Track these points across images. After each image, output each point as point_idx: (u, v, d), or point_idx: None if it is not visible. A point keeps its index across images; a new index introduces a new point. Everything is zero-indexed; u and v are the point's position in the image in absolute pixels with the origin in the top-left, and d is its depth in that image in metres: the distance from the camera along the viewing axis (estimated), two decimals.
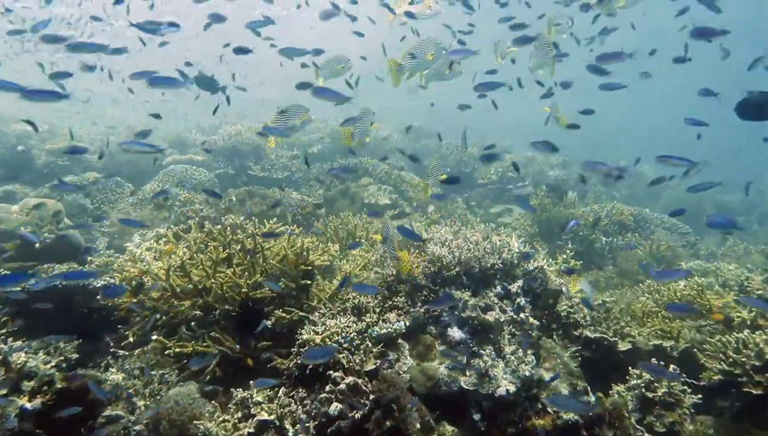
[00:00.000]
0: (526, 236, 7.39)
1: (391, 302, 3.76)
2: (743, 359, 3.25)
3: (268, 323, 3.52)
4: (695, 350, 3.63)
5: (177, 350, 3.31)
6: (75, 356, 3.36)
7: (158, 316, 3.57)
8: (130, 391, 3.09)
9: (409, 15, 5.90)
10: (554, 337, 3.90)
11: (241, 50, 4.68)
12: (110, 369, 3.37)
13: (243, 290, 3.52)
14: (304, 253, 3.93)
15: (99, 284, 3.92)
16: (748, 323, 3.46)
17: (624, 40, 5.92)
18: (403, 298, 3.77)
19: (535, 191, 8.58)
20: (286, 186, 8.27)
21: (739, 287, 4.49)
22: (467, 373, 3.43)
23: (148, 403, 3.09)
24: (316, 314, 3.61)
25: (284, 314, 3.56)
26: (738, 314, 3.52)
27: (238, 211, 5.86)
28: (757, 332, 3.26)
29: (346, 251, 5.41)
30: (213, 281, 3.54)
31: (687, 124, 4.00)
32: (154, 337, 3.36)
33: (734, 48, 5.59)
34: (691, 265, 5.76)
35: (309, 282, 3.76)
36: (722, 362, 3.33)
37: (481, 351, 3.48)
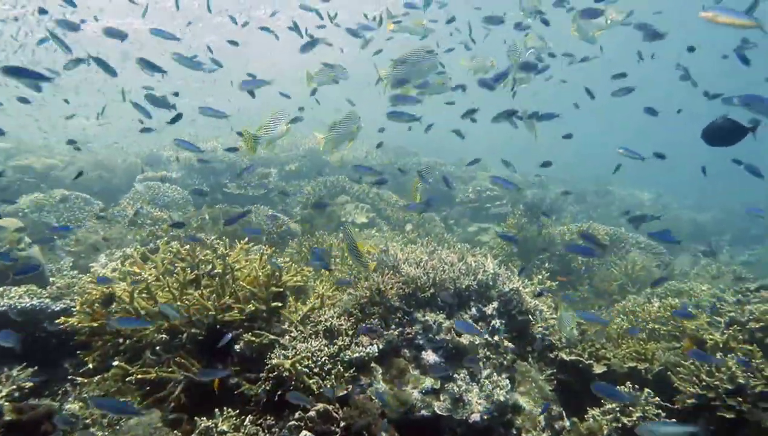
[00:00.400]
0: (503, 255, 7.39)
1: (364, 325, 3.68)
2: (716, 383, 3.24)
3: (237, 346, 3.40)
4: (669, 372, 3.62)
5: (139, 376, 3.16)
6: (29, 384, 3.19)
7: (121, 340, 3.42)
8: (88, 421, 2.94)
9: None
10: (529, 360, 3.86)
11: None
12: (68, 398, 3.20)
13: (210, 312, 3.40)
14: (276, 274, 3.83)
15: (58, 308, 3.75)
16: (721, 345, 3.47)
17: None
18: (376, 320, 3.69)
19: (512, 211, 8.62)
20: (262, 204, 8.16)
21: (711, 307, 4.52)
22: (441, 398, 3.35)
23: (106, 434, 2.94)
24: (287, 337, 3.50)
25: (254, 338, 3.45)
26: (710, 337, 3.52)
27: (211, 230, 5.74)
28: (729, 355, 3.25)
29: (322, 270, 5.32)
30: (180, 303, 3.41)
31: (625, 154, 4.10)
32: (116, 363, 3.21)
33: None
34: (665, 285, 5.79)
35: (280, 304, 3.65)
36: (695, 386, 3.32)
37: (456, 375, 3.42)
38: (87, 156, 9.18)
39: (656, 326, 3.99)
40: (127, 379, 3.18)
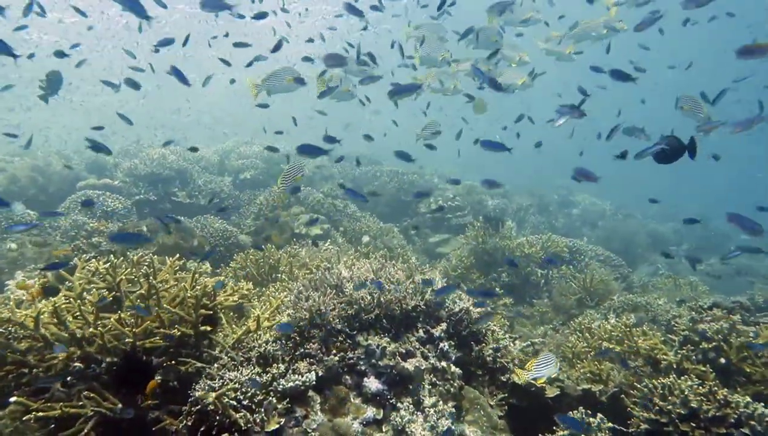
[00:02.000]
0: (462, 267, 7.23)
1: (302, 350, 3.41)
2: (669, 407, 3.10)
3: (158, 376, 3.08)
4: (623, 395, 3.47)
5: (41, 413, 2.80)
6: None
7: (26, 370, 3.05)
8: None
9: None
10: (479, 383, 3.65)
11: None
12: None
13: (128, 339, 3.07)
14: (210, 293, 3.53)
15: None
16: (675, 366, 3.34)
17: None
18: (316, 344, 3.42)
19: (472, 222, 8.49)
20: (213, 214, 7.78)
21: (666, 325, 4.43)
22: (384, 429, 3.11)
23: None
24: (216, 364, 3.20)
25: (179, 366, 3.13)
26: (665, 357, 3.39)
27: (151, 244, 5.36)
28: (682, 377, 3.12)
29: (269, 286, 5.03)
30: (93, 329, 3.07)
31: (484, 148, 4.02)
32: (13, 398, 2.85)
33: None
34: (623, 299, 5.72)
35: (209, 328, 3.34)
36: (648, 411, 3.16)
37: (399, 404, 3.18)
38: (23, 161, 8.61)
39: (612, 345, 3.84)
40: (27, 417, 2.82)
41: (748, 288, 9.29)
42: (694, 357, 3.33)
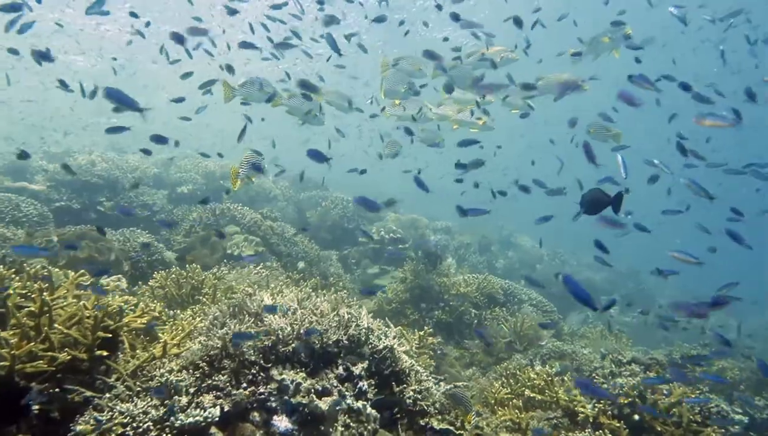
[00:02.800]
0: (396, 302, 7.12)
1: (210, 381, 3.15)
2: None
3: (35, 406, 2.74)
4: None
5: None
6: None
7: None
8: None
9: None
10: (398, 428, 3.49)
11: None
12: None
13: (5, 363, 2.72)
14: (114, 313, 3.23)
15: None
16: (591, 419, 3.31)
17: None
18: (225, 376, 3.18)
19: (410, 256, 8.45)
20: (143, 228, 7.36)
21: (589, 375, 4.45)
22: None
23: None
24: (108, 394, 2.89)
25: (64, 394, 2.81)
26: (582, 410, 3.36)
27: (61, 256, 4.94)
28: (597, 432, 3.08)
29: (188, 309, 4.72)
30: None
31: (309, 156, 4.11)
32: None
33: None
34: (551, 346, 5.75)
35: (105, 353, 3.04)
36: None
37: None
38: None
39: (532, 393, 3.80)
40: None
41: (671, 340, 9.69)
42: (609, 412, 3.32)
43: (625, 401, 3.28)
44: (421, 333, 4.39)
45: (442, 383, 4.10)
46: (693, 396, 3.70)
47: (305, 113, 4.86)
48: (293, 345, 3.36)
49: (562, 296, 12.48)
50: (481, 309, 7.16)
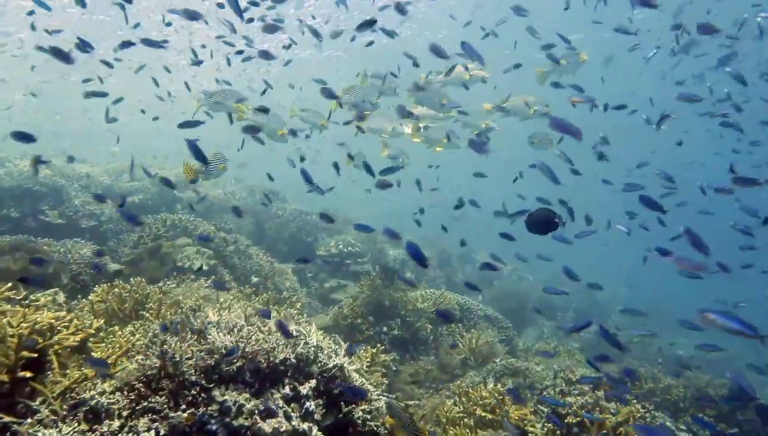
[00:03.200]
0: (352, 317, 7.01)
1: (146, 404, 2.97)
2: None
3: None
4: None
5: None
6: None
7: None
8: None
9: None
10: None
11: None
12: None
13: None
14: (44, 330, 3.02)
15: None
16: None
17: None
18: (163, 398, 3.00)
19: (369, 271, 8.38)
20: (89, 239, 7.03)
21: (540, 392, 4.46)
22: None
23: None
24: (30, 420, 2.68)
25: None
26: (532, 430, 3.35)
27: None
28: None
29: (129, 325, 4.49)
30: None
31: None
32: None
33: None
34: (504, 363, 5.76)
35: (29, 374, 2.82)
36: None
37: None
38: None
39: (483, 413, 3.76)
40: None
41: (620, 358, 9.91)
42: (559, 432, 3.32)
43: (574, 421, 3.29)
44: (374, 351, 4.30)
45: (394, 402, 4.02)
46: (638, 415, 3.76)
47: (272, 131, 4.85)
48: (238, 364, 3.22)
49: (517, 311, 12.64)
50: (437, 325, 7.13)
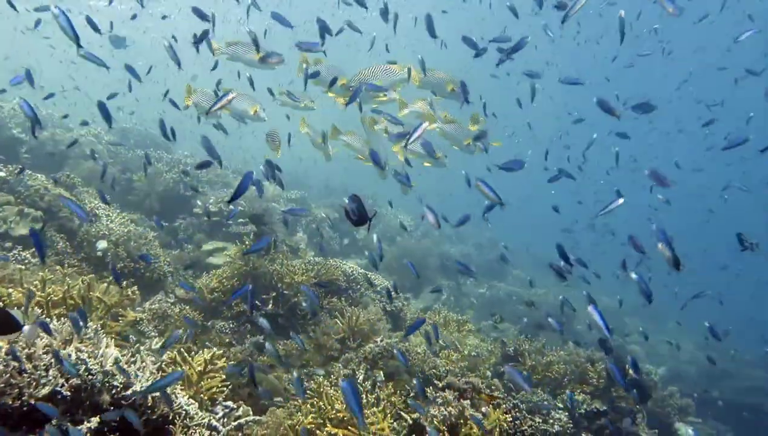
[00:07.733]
0: (220, 290, 6.09)
1: None
2: None
3: None
4: None
5: None
6: None
7: None
8: None
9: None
10: None
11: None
12: None
13: None
14: None
15: None
16: None
17: None
18: None
19: (248, 233, 7.45)
20: None
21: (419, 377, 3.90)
22: None
23: None
24: None
25: None
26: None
27: None
28: None
29: None
30: None
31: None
32: None
33: None
34: (383, 344, 5.21)
35: None
36: None
37: None
38: None
39: (334, 431, 3.12)
40: None
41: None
42: None
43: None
44: (207, 357, 3.46)
45: (228, 418, 3.28)
46: (510, 418, 3.33)
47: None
48: None
49: (418, 270, 12.32)
50: (318, 299, 6.41)
